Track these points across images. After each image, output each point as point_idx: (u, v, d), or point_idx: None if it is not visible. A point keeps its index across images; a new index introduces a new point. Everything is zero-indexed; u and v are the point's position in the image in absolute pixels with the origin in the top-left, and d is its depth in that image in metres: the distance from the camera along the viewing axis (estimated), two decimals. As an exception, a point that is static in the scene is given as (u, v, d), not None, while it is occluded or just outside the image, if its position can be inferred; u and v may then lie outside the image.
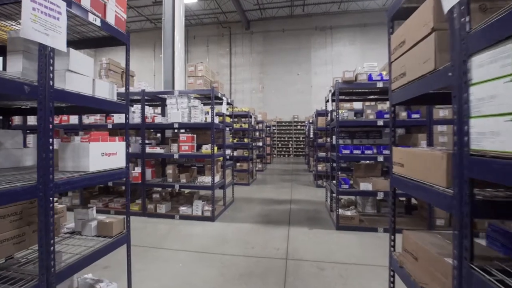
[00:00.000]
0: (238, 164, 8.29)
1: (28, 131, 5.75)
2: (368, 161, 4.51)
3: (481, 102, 0.96)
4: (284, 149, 18.55)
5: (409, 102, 1.81)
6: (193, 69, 5.00)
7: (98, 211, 4.95)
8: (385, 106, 6.17)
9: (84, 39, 2.38)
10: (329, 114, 5.59)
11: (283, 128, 18.39)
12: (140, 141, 4.93)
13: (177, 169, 5.24)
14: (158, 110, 6.67)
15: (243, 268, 2.93)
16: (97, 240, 2.09)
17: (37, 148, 1.51)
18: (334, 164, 4.43)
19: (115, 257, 2.40)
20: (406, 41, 1.57)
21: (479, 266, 1.00)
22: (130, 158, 5.32)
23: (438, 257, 1.33)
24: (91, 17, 1.88)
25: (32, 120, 5.61)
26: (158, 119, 4.91)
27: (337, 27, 17.72)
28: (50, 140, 1.56)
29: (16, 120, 5.73)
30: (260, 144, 11.82)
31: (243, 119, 9.43)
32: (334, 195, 4.51)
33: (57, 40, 1.61)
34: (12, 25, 2.13)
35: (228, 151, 6.42)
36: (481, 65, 0.97)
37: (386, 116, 4.19)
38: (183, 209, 4.75)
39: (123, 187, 5.55)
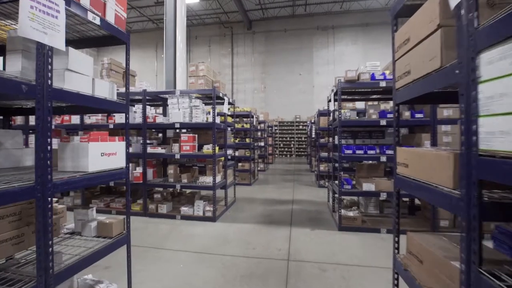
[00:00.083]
0: (240, 164, 8.27)
1: (30, 131, 5.78)
2: (370, 161, 4.47)
3: (490, 101, 0.92)
4: (286, 149, 18.50)
5: (414, 101, 1.77)
6: (194, 69, 4.98)
7: (99, 211, 5.00)
8: (388, 105, 6.12)
9: (84, 38, 2.36)
10: (331, 114, 5.55)
11: (285, 128, 18.35)
12: (141, 141, 4.91)
13: (179, 169, 5.22)
14: (160, 110, 6.67)
15: (244, 269, 2.91)
16: (97, 241, 2.07)
17: (35, 148, 1.49)
18: (336, 164, 4.40)
19: (115, 258, 2.39)
20: (411, 38, 1.53)
21: (487, 270, 0.97)
22: (132, 158, 5.32)
23: (444, 260, 1.29)
24: (90, 16, 1.86)
25: (34, 120, 5.61)
26: (160, 119, 4.90)
27: (339, 27, 17.64)
28: (49, 140, 1.54)
29: (19, 120, 5.74)
30: (262, 144, 11.79)
31: (244, 119, 9.41)
32: (336, 195, 4.47)
33: (56, 38, 1.59)
34: (12, 24, 2.12)
35: (229, 151, 6.41)
36: (491, 62, 0.93)
37: (389, 115, 4.15)
38: (185, 209, 4.73)
39: (125, 187, 5.54)
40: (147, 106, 6.32)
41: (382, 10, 16.77)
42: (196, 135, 4.84)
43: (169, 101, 4.85)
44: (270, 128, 14.69)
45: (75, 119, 5.17)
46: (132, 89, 5.19)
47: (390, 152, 4.09)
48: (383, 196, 4.01)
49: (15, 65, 1.75)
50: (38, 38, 1.49)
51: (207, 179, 4.80)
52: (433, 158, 1.29)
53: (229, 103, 5.66)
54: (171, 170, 4.92)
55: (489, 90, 0.93)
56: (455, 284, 1.14)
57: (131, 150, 4.99)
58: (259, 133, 11.47)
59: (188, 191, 5.78)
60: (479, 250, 0.97)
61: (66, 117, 5.28)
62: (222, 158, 5.32)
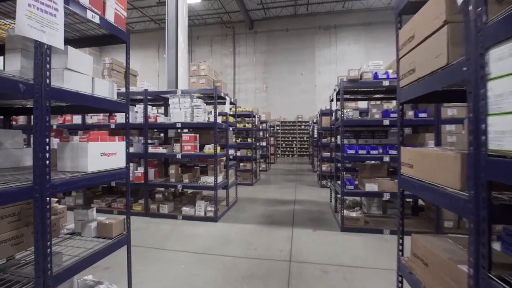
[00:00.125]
0: (241, 164, 8.24)
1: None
2: (373, 161, 4.42)
3: (500, 98, 0.89)
4: (288, 149, 18.45)
5: (418, 100, 1.73)
6: (195, 68, 4.96)
7: (101, 211, 5.00)
8: (391, 105, 6.07)
9: (84, 37, 2.34)
10: (333, 114, 5.51)
11: (287, 128, 18.29)
12: (143, 141, 4.90)
13: (180, 169, 5.20)
14: (162, 110, 6.66)
15: (245, 270, 2.88)
16: (97, 242, 2.05)
17: (33, 148, 1.47)
18: (339, 164, 4.35)
19: (116, 258, 2.37)
20: (416, 35, 1.49)
21: (497, 275, 0.93)
22: (133, 158, 5.32)
23: (450, 263, 1.25)
24: (89, 14, 1.84)
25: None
26: (161, 119, 4.89)
27: (341, 26, 17.54)
28: (47, 139, 1.52)
29: (21, 120, 5.76)
30: (264, 144, 11.76)
31: (246, 119, 9.37)
32: (338, 195, 4.43)
33: (54, 37, 1.57)
34: (12, 23, 2.11)
35: (231, 151, 6.37)
36: (500, 58, 0.89)
37: (393, 115, 4.10)
38: (186, 210, 4.72)
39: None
40: (149, 106, 6.33)
41: (384, 9, 16.66)
42: (198, 135, 4.82)
43: (170, 101, 4.84)
44: (272, 128, 14.65)
45: (77, 119, 5.17)
46: (133, 89, 5.18)
47: (393, 152, 4.05)
48: (386, 197, 3.96)
49: (15, 64, 1.74)
50: (35, 37, 1.47)
51: (208, 179, 4.78)
52: (439, 158, 1.25)
53: (231, 103, 5.64)
54: (172, 170, 4.90)
55: (499, 87, 0.89)
56: (463, 289, 1.11)
57: (132, 150, 4.98)
58: (261, 133, 11.43)
59: (189, 191, 5.76)
60: (488, 254, 0.93)
61: (68, 117, 5.28)
62: (224, 158, 5.30)
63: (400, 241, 1.78)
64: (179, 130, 5.59)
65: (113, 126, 4.96)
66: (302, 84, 18.07)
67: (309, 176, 9.83)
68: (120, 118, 5.05)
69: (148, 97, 5.01)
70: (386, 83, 3.93)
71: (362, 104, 7.74)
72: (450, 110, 3.80)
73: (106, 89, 2.14)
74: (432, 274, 1.39)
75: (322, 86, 17.47)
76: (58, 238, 2.12)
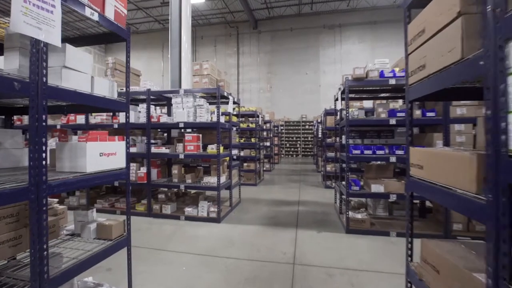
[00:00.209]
0: (245, 164, 8.19)
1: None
2: (379, 162, 4.32)
3: (523, 94, 0.81)
4: (292, 149, 18.34)
5: (428, 98, 1.65)
6: (198, 68, 4.91)
7: (104, 211, 4.99)
8: (397, 104, 5.94)
9: (84, 35, 2.31)
10: (338, 113, 5.41)
11: (291, 128, 18.19)
12: (145, 141, 4.88)
13: (183, 169, 5.17)
14: (165, 110, 6.64)
15: (248, 273, 2.82)
16: (96, 244, 2.02)
17: (28, 148, 1.43)
18: (344, 165, 4.27)
19: (118, 259, 2.32)
20: (426, 29, 1.41)
21: (519, 287, 0.85)
22: (136, 158, 5.30)
23: (465, 272, 1.17)
24: (88, 12, 1.80)
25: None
26: (164, 119, 4.86)
27: (346, 25, 17.38)
28: (43, 139, 1.48)
29: (25, 119, 5.79)
30: (268, 144, 11.69)
31: (250, 119, 9.32)
32: (343, 197, 4.34)
33: (51, 34, 1.53)
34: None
35: (235, 151, 6.32)
36: (523, 50, 0.82)
37: (399, 114, 4.00)
38: (189, 210, 4.68)
39: (130, 187, 5.52)
40: (153, 106, 6.31)
41: (390, 7, 16.45)
42: (201, 135, 4.78)
43: (173, 101, 4.80)
44: (276, 128, 14.57)
45: (80, 119, 5.17)
46: (136, 88, 5.16)
47: (400, 152, 3.94)
48: (393, 198, 3.86)
49: (13, 63, 1.70)
50: (31, 34, 1.43)
51: (211, 180, 4.73)
52: (453, 159, 1.17)
53: (234, 102, 5.59)
54: (175, 170, 4.87)
55: (522, 82, 0.82)
56: (479, 299, 1.03)
57: (135, 150, 4.96)
58: (264, 133, 11.37)
59: (193, 191, 5.73)
60: (510, 264, 0.85)
61: (72, 117, 5.29)
62: (227, 158, 5.25)
63: (409, 245, 1.69)
64: (182, 130, 5.56)
65: (116, 126, 4.95)
66: (306, 83, 17.95)
67: (313, 177, 9.73)
68: (123, 118, 5.03)
69: (151, 97, 4.99)
70: (392, 81, 3.84)
71: (367, 104, 7.62)
72: (460, 109, 3.69)
73: (106, 88, 2.10)
74: (445, 282, 1.31)
75: (326, 86, 17.33)
76: (57, 239, 2.09)
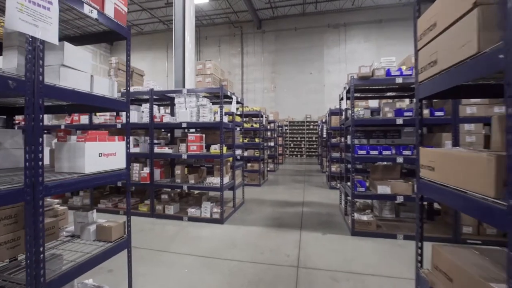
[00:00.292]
0: (249, 164, 8.13)
1: (46, 131, 5.85)
2: (385, 163, 4.22)
3: (550, 89, 0.74)
4: (297, 149, 18.23)
5: (440, 96, 1.57)
6: (201, 67, 4.87)
7: (107, 211, 4.98)
8: (403, 104, 5.82)
9: (85, 34, 2.28)
10: (343, 113, 5.32)
11: (296, 128, 18.08)
12: (148, 141, 4.86)
13: (186, 170, 5.14)
14: (169, 110, 6.62)
15: (251, 276, 2.76)
16: (96, 246, 1.98)
17: (24, 148, 1.39)
18: (349, 165, 4.18)
19: (119, 260, 2.28)
20: (438, 23, 1.33)
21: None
22: (139, 158, 5.29)
23: (482, 282, 1.09)
24: (87, 9, 1.77)
25: (46, 119, 5.68)
26: (167, 119, 4.83)
27: (351, 24, 17.21)
28: (40, 139, 1.45)
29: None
30: (272, 144, 11.61)
31: (254, 119, 9.26)
32: (349, 198, 4.26)
33: (48, 32, 1.49)
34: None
35: (238, 151, 6.27)
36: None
37: (406, 114, 3.90)
38: (192, 211, 4.64)
39: (134, 187, 5.52)
40: (157, 106, 6.31)
41: (395, 6, 16.24)
42: (204, 135, 4.74)
43: (176, 100, 4.77)
44: (280, 128, 14.48)
45: (84, 119, 5.17)
46: (139, 88, 5.15)
47: (407, 152, 3.84)
48: (400, 200, 3.76)
49: (11, 61, 1.68)
50: (27, 31, 1.39)
51: (214, 180, 4.69)
52: (469, 161, 1.09)
53: (238, 102, 5.53)
54: (178, 170, 4.84)
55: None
56: (498, 312, 0.95)
57: (138, 150, 4.94)
58: (269, 133, 11.30)
59: (196, 191, 5.69)
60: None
61: (76, 117, 5.30)
62: (230, 159, 5.20)
63: (419, 251, 1.61)
64: (185, 130, 5.53)
65: (119, 126, 4.94)
66: (310, 83, 17.82)
67: (318, 177, 9.63)
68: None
69: (155, 97, 4.96)
70: (399, 80, 3.74)
71: (373, 103, 7.51)
72: (469, 108, 3.57)
73: (105, 87, 2.06)
74: (458, 291, 1.23)
75: (331, 86, 17.18)
76: (57, 241, 2.06)
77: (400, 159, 3.75)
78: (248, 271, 2.85)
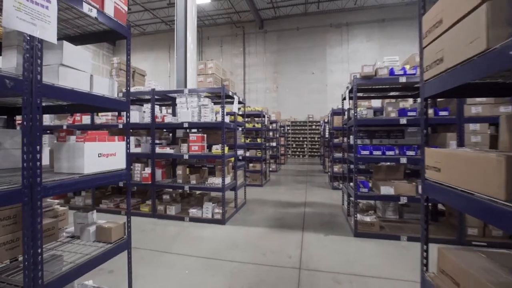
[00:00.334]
0: (251, 164, 8.11)
1: (48, 131, 5.86)
2: (389, 163, 4.17)
3: None
4: (299, 150, 18.17)
5: (445, 95, 1.53)
6: (203, 67, 4.85)
7: (109, 211, 4.98)
8: (406, 104, 5.77)
9: (85, 33, 2.26)
10: (346, 113, 5.28)
11: (298, 128, 18.03)
12: (150, 141, 4.85)
13: (188, 170, 5.12)
14: (171, 110, 6.61)
15: (252, 277, 2.73)
16: (95, 247, 1.96)
17: (21, 148, 1.38)
18: (352, 166, 4.13)
19: (120, 261, 2.26)
20: (444, 20, 1.30)
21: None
22: (141, 158, 5.28)
23: (488, 286, 1.06)
24: (86, 8, 1.75)
25: (48, 119, 5.70)
26: (168, 119, 4.81)
27: (353, 24, 17.13)
28: (37, 140, 1.43)
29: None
30: (274, 144, 11.58)
31: (256, 119, 9.24)
32: (351, 199, 4.21)
33: (46, 30, 1.47)
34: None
35: (240, 152, 6.25)
36: None
37: (410, 113, 3.85)
38: (193, 211, 4.62)
39: (135, 187, 5.51)
40: (159, 106, 6.30)
41: (398, 5, 16.13)
42: (205, 135, 4.72)
43: (177, 100, 4.76)
44: (282, 128, 14.44)
45: (86, 119, 5.18)
46: (141, 88, 5.14)
47: (411, 153, 3.79)
48: (403, 201, 3.71)
49: (11, 61, 1.67)
50: (25, 30, 1.37)
51: (216, 180, 4.67)
52: (477, 161, 1.05)
53: (239, 102, 5.51)
54: (179, 170, 4.82)
55: None
56: (508, 320, 0.92)
57: (140, 150, 4.94)
58: (271, 133, 11.26)
59: (198, 192, 5.68)
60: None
61: (78, 117, 5.30)
62: (232, 159, 5.17)
63: (425, 254, 1.57)
64: (187, 130, 5.52)
65: (120, 126, 4.94)
66: (313, 83, 17.76)
67: (320, 177, 9.57)
68: (128, 118, 5.02)
69: (156, 97, 4.96)
70: (403, 79, 3.69)
71: (376, 103, 7.43)
72: (475, 108, 3.51)
73: (105, 87, 2.05)
74: (465, 296, 1.19)
75: (333, 85, 17.10)
76: (57, 242, 2.05)
77: (403, 160, 3.70)
78: (250, 273, 2.82)
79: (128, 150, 2.14)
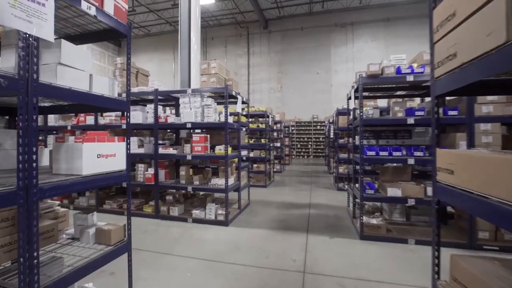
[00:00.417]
0: (255, 165, 8.05)
1: (54, 132, 5.90)
2: (395, 164, 4.07)
3: None
4: (303, 150, 18.05)
5: (456, 92, 1.45)
6: (206, 67, 4.82)
7: (112, 212, 4.97)
8: (413, 103, 5.64)
9: (85, 32, 2.23)
10: (351, 113, 5.18)
11: (302, 128, 17.91)
12: (153, 142, 4.83)
13: (192, 171, 5.08)
14: (174, 110, 6.59)
15: (256, 281, 2.67)
16: (94, 249, 1.92)
17: (17, 149, 1.34)
18: (357, 167, 4.04)
19: (122, 262, 2.22)
20: (457, 12, 1.22)
21: None
22: (144, 158, 5.26)
23: (510, 298, 0.98)
24: (84, 5, 1.71)
25: (53, 119, 5.73)
26: (171, 119, 4.79)
27: (358, 23, 16.95)
28: (34, 140, 1.39)
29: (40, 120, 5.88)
30: (278, 144, 11.50)
31: (260, 119, 9.17)
32: (357, 200, 4.12)
33: (43, 28, 1.44)
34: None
35: (244, 152, 6.19)
36: None
37: (418, 113, 3.74)
38: (196, 212, 4.58)
39: (139, 188, 5.50)
40: (162, 107, 6.28)
41: (404, 3, 15.91)
42: (208, 136, 4.68)
43: (180, 101, 4.73)
44: (286, 129, 14.34)
45: (90, 120, 5.18)
46: (144, 89, 5.13)
47: (418, 154, 3.69)
48: (411, 203, 3.61)
49: (10, 60, 1.64)
50: (21, 27, 1.34)
51: (219, 181, 4.62)
52: (496, 163, 0.98)
53: (243, 102, 5.45)
54: (183, 171, 4.79)
55: None
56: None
57: (143, 150, 4.92)
58: (275, 134, 11.19)
59: (201, 193, 5.64)
60: None
61: (82, 118, 5.32)
62: (236, 160, 5.12)
63: (436, 260, 1.49)
64: (190, 131, 5.49)
65: (124, 126, 4.92)
66: (317, 83, 17.63)
67: (325, 178, 9.46)
68: (132, 118, 5.01)
69: (159, 97, 4.93)
70: (410, 78, 3.59)
71: (382, 103, 7.31)
72: (486, 107, 3.39)
73: (105, 87, 2.01)
74: (482, 307, 1.11)
75: (338, 85, 16.95)
76: (56, 244, 2.02)
77: (411, 161, 3.60)
78: (253, 276, 2.76)
79: (128, 151, 2.10)
